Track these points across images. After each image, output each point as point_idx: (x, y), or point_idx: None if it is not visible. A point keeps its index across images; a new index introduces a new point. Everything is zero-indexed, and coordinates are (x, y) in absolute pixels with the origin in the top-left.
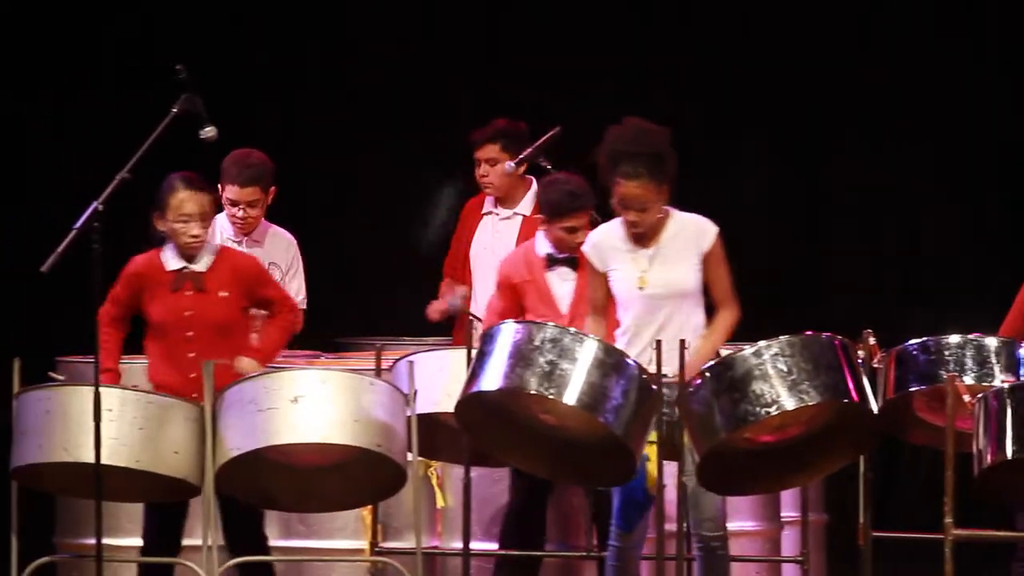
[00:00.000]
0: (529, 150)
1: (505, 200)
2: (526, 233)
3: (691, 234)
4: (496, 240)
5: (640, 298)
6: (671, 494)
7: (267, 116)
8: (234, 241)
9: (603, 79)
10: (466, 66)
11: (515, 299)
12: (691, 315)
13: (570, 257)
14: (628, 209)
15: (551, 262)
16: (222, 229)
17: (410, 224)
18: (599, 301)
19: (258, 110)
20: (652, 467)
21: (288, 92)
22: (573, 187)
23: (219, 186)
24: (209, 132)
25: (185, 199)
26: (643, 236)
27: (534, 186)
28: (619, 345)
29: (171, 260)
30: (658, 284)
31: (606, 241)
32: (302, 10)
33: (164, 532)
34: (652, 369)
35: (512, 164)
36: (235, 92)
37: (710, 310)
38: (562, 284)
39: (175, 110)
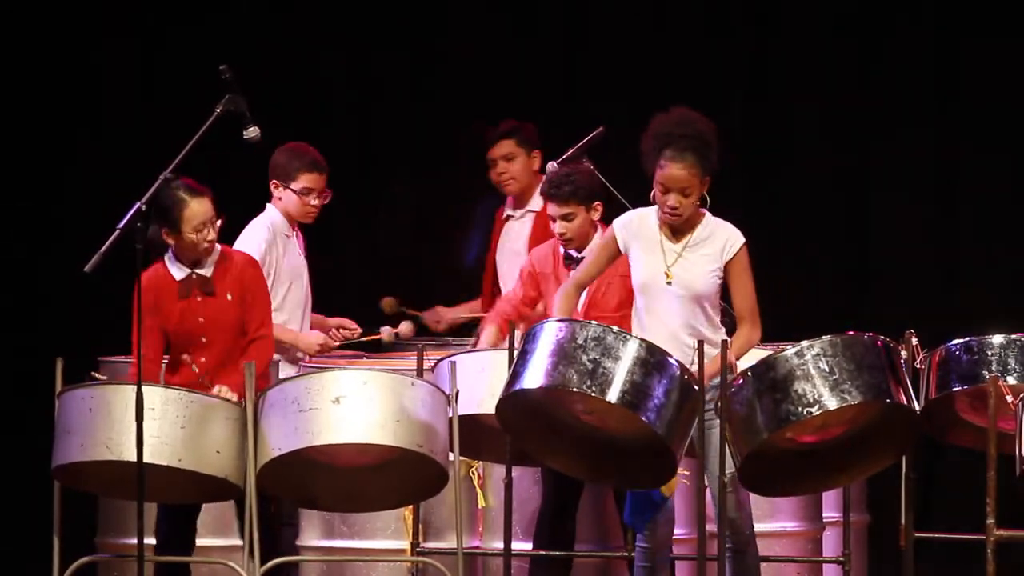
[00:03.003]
0: (572, 150)
1: (519, 199)
2: (537, 229)
3: (719, 239)
4: (512, 240)
5: (664, 291)
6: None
7: (306, 116)
8: (287, 236)
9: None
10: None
11: (536, 289)
12: (707, 319)
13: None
14: (669, 192)
15: (568, 260)
16: (275, 225)
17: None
18: (588, 277)
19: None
20: None
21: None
22: (559, 175)
23: (275, 182)
24: (252, 132)
25: (197, 208)
26: (676, 228)
27: None
28: (634, 331)
29: (176, 269)
30: (680, 281)
31: (639, 225)
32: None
33: (178, 531)
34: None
35: (555, 164)
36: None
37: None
38: None
39: (219, 110)
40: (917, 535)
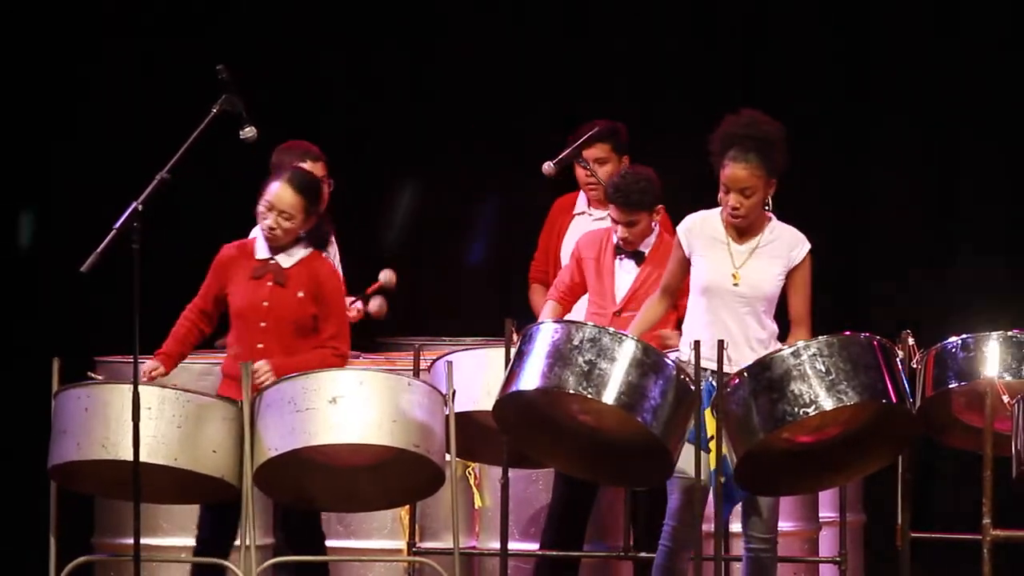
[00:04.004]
0: (568, 150)
1: (601, 201)
2: (662, 237)
3: (785, 243)
4: None
5: (729, 292)
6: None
7: (306, 116)
8: None
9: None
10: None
11: (582, 275)
12: (763, 321)
13: (639, 252)
14: (731, 192)
15: (619, 251)
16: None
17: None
18: (672, 284)
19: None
20: (712, 459)
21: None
22: (624, 181)
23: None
24: (249, 133)
25: (274, 189)
26: (741, 229)
27: None
28: (688, 334)
29: (261, 249)
30: (747, 283)
31: (701, 226)
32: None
33: (218, 532)
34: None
35: (552, 165)
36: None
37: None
38: (624, 275)
39: (215, 110)
40: (913, 535)
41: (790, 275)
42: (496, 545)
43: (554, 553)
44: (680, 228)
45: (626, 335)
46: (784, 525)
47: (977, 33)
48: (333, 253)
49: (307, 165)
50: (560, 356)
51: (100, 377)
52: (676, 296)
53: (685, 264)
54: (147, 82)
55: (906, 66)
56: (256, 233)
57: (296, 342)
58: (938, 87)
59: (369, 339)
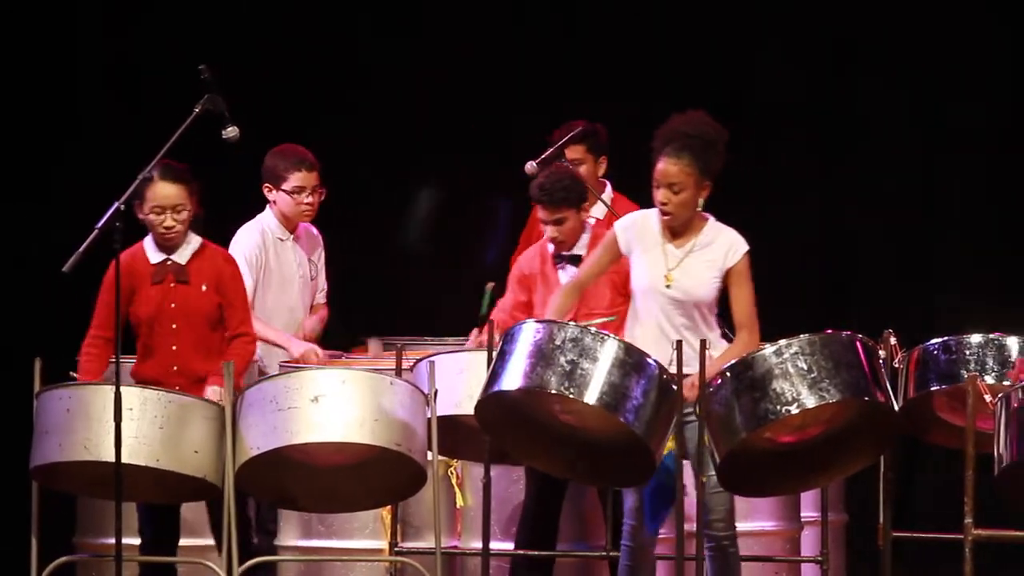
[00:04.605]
0: (550, 150)
1: None
2: (597, 237)
3: (721, 245)
4: None
5: (662, 294)
6: (690, 495)
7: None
8: (281, 239)
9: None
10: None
11: (527, 293)
12: (702, 325)
13: (574, 255)
14: (660, 187)
15: (558, 260)
16: (268, 229)
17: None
18: (589, 277)
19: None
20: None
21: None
22: (548, 180)
23: (267, 186)
24: (231, 132)
25: (161, 191)
26: (676, 230)
27: (608, 189)
28: (629, 332)
29: (153, 252)
30: (679, 286)
31: (641, 226)
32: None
33: (163, 530)
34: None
35: (535, 164)
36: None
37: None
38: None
39: (197, 110)
40: (895, 534)
41: (728, 278)
42: (478, 545)
43: (534, 553)
44: (618, 225)
45: (608, 335)
46: (766, 525)
47: (964, 28)
48: (319, 257)
49: (301, 175)
50: (542, 356)
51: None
52: (585, 288)
53: (614, 259)
54: (127, 81)
55: (896, 67)
56: (246, 233)
57: (209, 336)
58: (918, 87)
59: (352, 339)
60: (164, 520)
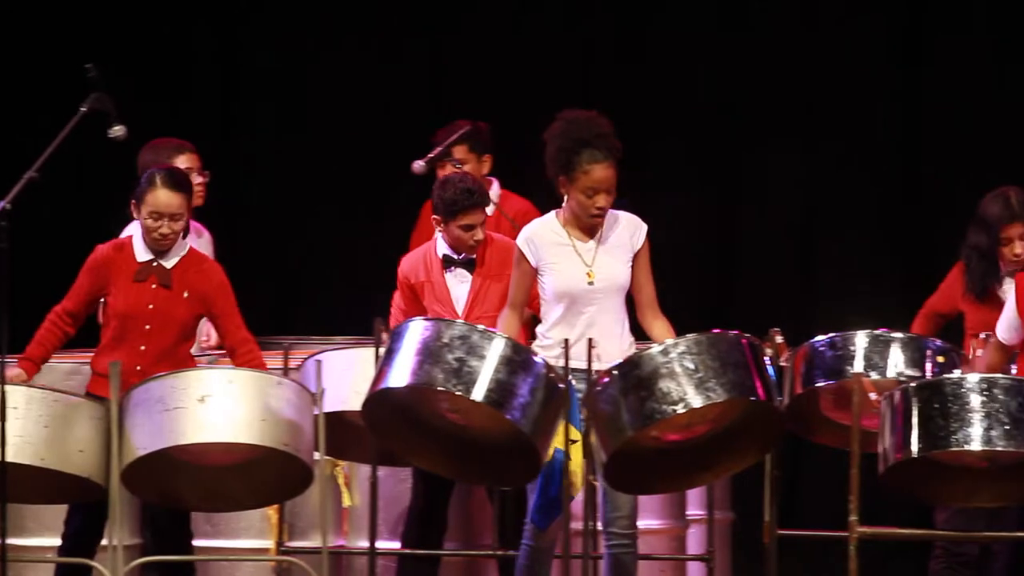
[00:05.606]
0: (438, 149)
1: None
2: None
3: (625, 230)
4: None
5: (586, 292)
6: (578, 494)
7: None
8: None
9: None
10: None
11: (415, 299)
12: (621, 311)
13: (467, 259)
14: (598, 193)
15: (448, 263)
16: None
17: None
18: (520, 297)
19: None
20: (575, 466)
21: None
22: (468, 184)
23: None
24: (118, 131)
25: (162, 198)
26: (586, 227)
27: (496, 187)
28: (549, 338)
29: (141, 251)
30: (604, 278)
31: (542, 235)
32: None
33: (85, 531)
34: (586, 365)
35: (422, 163)
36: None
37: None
38: (459, 285)
39: (84, 108)
40: (781, 532)
41: (635, 259)
42: (365, 544)
43: (421, 552)
44: (521, 240)
45: (496, 332)
46: (652, 523)
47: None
48: (207, 241)
49: (183, 159)
50: (429, 353)
51: None
52: (525, 307)
53: (532, 274)
54: (11, 80)
55: (777, 70)
56: (130, 231)
57: (178, 345)
58: (803, 90)
59: None
60: (90, 519)
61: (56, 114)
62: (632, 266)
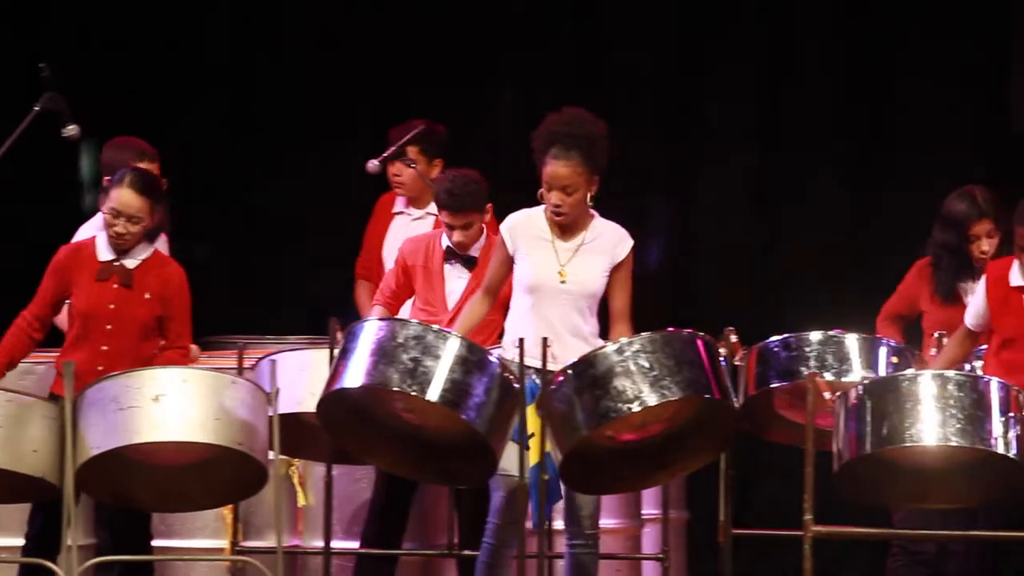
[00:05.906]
0: (392, 148)
1: (417, 200)
2: (492, 241)
3: (609, 240)
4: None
5: (556, 290)
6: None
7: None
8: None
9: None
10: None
11: (407, 282)
12: (590, 319)
13: (470, 257)
14: (552, 190)
15: (449, 255)
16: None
17: None
18: (494, 282)
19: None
20: (534, 455)
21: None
22: (455, 184)
23: (107, 179)
24: (72, 130)
25: (120, 195)
26: (565, 226)
27: None
28: (513, 332)
29: (103, 250)
30: (576, 281)
31: (524, 225)
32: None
33: (48, 531)
34: (546, 364)
35: (376, 163)
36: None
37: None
38: (456, 280)
39: (37, 108)
40: (735, 531)
41: (613, 271)
42: (320, 543)
43: (378, 551)
44: (503, 227)
45: (451, 332)
46: (607, 523)
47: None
48: (163, 241)
49: (144, 165)
50: (384, 353)
51: None
52: (497, 294)
53: (509, 263)
54: None
55: (740, 67)
56: (87, 231)
57: (140, 344)
58: (762, 95)
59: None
60: (53, 520)
61: (7, 114)
62: (610, 277)
